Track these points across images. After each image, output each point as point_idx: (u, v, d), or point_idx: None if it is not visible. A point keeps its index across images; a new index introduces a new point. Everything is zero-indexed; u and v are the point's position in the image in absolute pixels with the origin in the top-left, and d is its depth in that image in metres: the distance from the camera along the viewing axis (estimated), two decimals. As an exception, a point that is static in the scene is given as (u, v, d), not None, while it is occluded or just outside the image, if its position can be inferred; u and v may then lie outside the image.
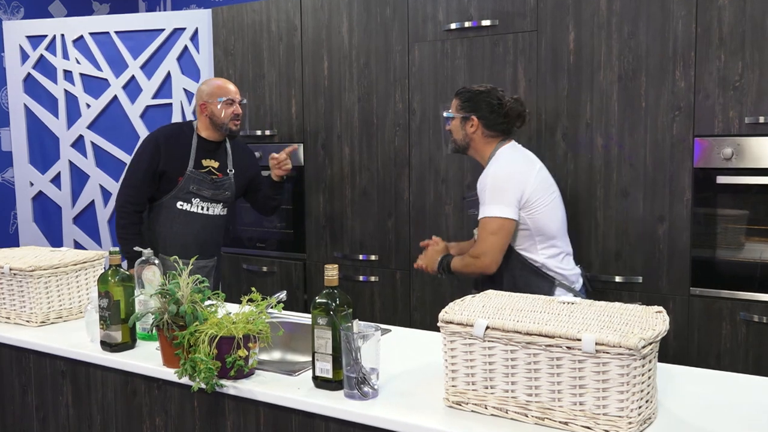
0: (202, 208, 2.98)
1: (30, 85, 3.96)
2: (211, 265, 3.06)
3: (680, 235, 2.49)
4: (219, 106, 2.92)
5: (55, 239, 4.00)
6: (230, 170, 3.03)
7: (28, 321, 2.17)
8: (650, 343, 1.29)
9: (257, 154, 3.40)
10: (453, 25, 2.85)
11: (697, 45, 2.42)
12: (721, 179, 2.40)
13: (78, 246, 3.95)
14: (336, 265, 1.59)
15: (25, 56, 3.94)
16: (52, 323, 2.19)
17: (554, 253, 2.30)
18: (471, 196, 2.55)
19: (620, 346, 1.25)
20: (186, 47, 3.74)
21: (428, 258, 2.46)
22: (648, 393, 1.33)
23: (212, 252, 3.06)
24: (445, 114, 2.43)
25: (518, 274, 2.29)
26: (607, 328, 1.32)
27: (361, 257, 3.18)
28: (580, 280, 2.38)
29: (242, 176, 3.08)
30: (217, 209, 3.02)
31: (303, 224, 3.35)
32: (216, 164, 3.00)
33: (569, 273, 2.32)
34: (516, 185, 2.24)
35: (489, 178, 2.27)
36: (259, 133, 3.42)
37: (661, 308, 1.45)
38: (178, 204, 2.94)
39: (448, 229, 2.94)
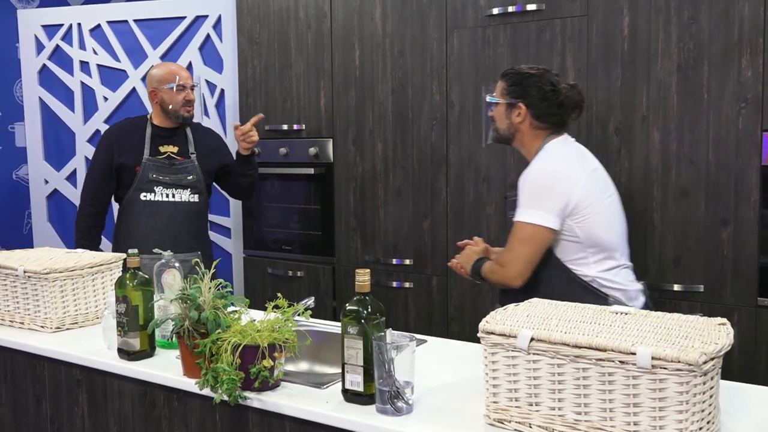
0: (167, 196, 3.05)
1: (45, 77, 4.06)
2: (193, 261, 3.03)
3: (747, 240, 2.45)
4: (169, 92, 3.02)
5: (70, 240, 4.08)
6: (192, 153, 3.10)
7: (42, 326, 2.23)
8: (712, 359, 1.27)
9: (283, 150, 3.44)
10: (495, 10, 2.84)
11: (765, 29, 2.37)
12: (793, 178, 2.36)
13: (94, 247, 4.03)
14: (368, 270, 1.60)
15: (40, 47, 4.04)
16: (68, 329, 2.24)
17: (610, 267, 2.14)
18: (513, 195, 2.45)
19: (679, 361, 1.23)
20: (208, 36, 3.80)
21: (465, 258, 2.34)
22: (709, 413, 1.31)
23: (191, 245, 3.07)
24: (488, 98, 2.29)
25: (562, 290, 2.07)
26: (664, 341, 1.30)
27: (394, 261, 3.18)
28: (641, 298, 2.19)
29: (208, 159, 3.14)
30: (184, 195, 3.07)
31: (332, 226, 3.37)
32: (175, 149, 3.10)
33: (628, 288, 2.16)
34: (562, 188, 2.09)
35: (530, 176, 2.14)
36: (285, 127, 3.46)
37: (724, 320, 1.43)
38: (142, 196, 3.05)
39: (490, 232, 2.93)
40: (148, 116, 3.16)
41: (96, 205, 3.11)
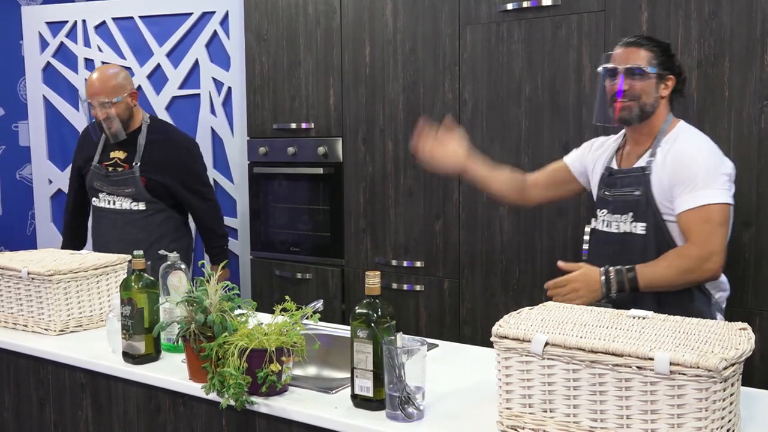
0: (110, 203, 3.11)
1: (49, 74, 4.09)
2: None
3: (769, 242, 2.43)
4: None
5: (74, 241, 4.11)
6: (135, 163, 3.06)
7: (46, 329, 2.24)
8: (733, 364, 1.26)
9: (291, 149, 3.44)
10: (510, 6, 2.83)
11: (789, 25, 2.36)
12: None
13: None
14: (378, 272, 1.60)
15: (44, 44, 4.07)
16: (72, 332, 2.26)
17: None
18: (624, 180, 2.15)
19: (698, 367, 1.23)
20: (215, 33, 3.82)
21: (584, 280, 2.03)
22: (730, 420, 1.30)
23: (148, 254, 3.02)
24: (645, 67, 2.07)
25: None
26: (683, 346, 1.30)
27: (405, 264, 3.19)
28: (728, 288, 2.14)
29: (154, 173, 3.06)
30: (125, 203, 3.07)
31: (341, 227, 3.37)
32: (123, 155, 3.09)
33: (724, 284, 2.11)
34: (730, 169, 2.02)
35: (699, 158, 2.00)
36: (294, 126, 3.47)
37: (745, 325, 1.42)
38: (93, 200, 3.17)
39: (502, 234, 2.93)
40: None
41: (69, 202, 3.30)
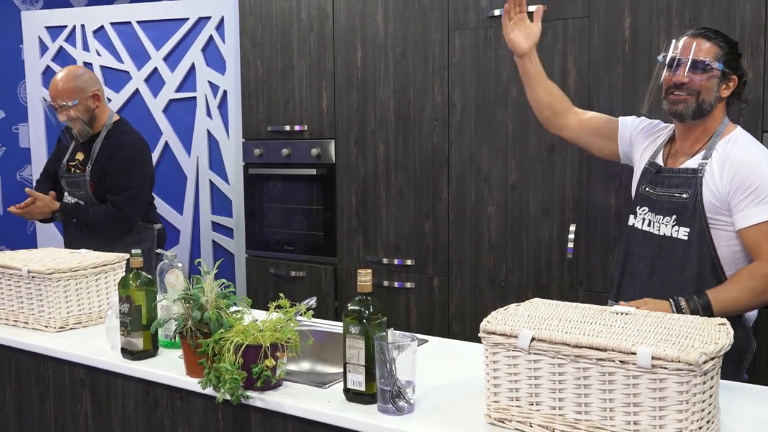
0: (73, 200, 3.14)
1: (49, 78, 4.05)
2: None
3: (747, 241, 2.44)
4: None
5: (73, 240, 4.09)
6: (88, 167, 3.07)
7: (46, 326, 2.23)
8: (712, 358, 1.27)
9: (285, 151, 3.44)
10: (497, 11, 2.84)
11: (766, 31, 2.37)
12: (794, 179, 2.35)
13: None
14: (370, 270, 1.60)
15: (44, 48, 4.05)
16: (71, 329, 2.25)
17: None
18: (667, 193, 1.98)
19: (679, 361, 1.24)
20: (211, 37, 3.81)
21: (655, 307, 1.78)
22: (709, 413, 1.31)
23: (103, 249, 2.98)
24: (710, 62, 1.91)
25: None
26: (664, 341, 1.31)
27: (396, 262, 3.19)
28: (755, 315, 1.98)
29: (100, 180, 3.04)
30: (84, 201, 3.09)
31: (334, 226, 3.37)
32: (81, 157, 3.12)
33: (755, 311, 1.96)
34: None
35: (766, 167, 1.83)
36: (287, 128, 3.46)
37: (724, 320, 1.43)
38: (65, 197, 3.18)
39: (490, 234, 2.94)
40: None
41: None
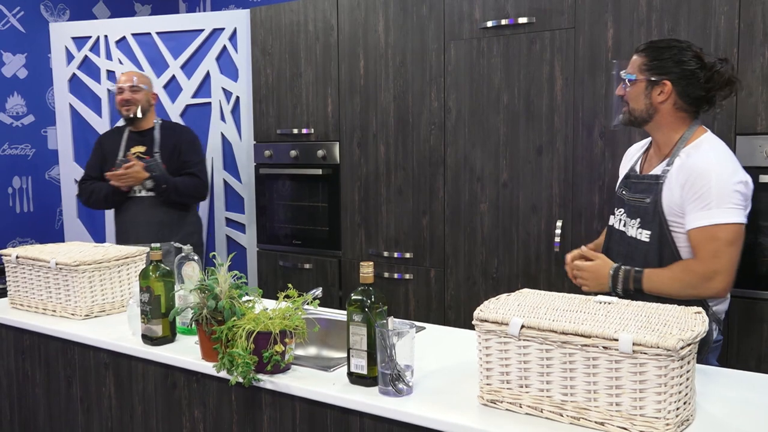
0: (134, 192, 3.24)
1: (75, 85, 4.06)
2: (169, 250, 3.13)
3: (721, 235, 2.43)
4: (116, 97, 3.26)
5: (98, 235, 4.09)
6: (156, 152, 3.25)
7: (73, 314, 2.23)
8: (689, 344, 1.27)
9: (293, 152, 3.44)
10: (489, 23, 2.83)
11: (739, 41, 2.36)
12: (764, 178, 2.34)
13: (120, 242, 4.04)
14: (371, 263, 1.60)
15: (70, 57, 4.04)
16: (96, 317, 2.25)
17: None
18: (633, 195, 1.97)
19: (658, 347, 1.23)
20: (225, 47, 3.80)
21: (594, 272, 1.92)
22: (686, 395, 1.31)
23: (165, 235, 3.20)
24: (624, 75, 1.92)
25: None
26: (644, 328, 1.30)
27: (395, 255, 3.18)
28: (728, 300, 1.93)
29: (170, 157, 3.25)
30: (143, 191, 3.22)
31: (338, 222, 3.37)
32: (143, 149, 3.25)
33: (725, 304, 1.92)
34: (745, 187, 1.80)
35: (713, 174, 1.77)
36: (295, 131, 3.45)
37: (700, 309, 1.42)
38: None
39: (483, 229, 2.93)
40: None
41: (88, 179, 3.34)
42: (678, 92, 1.87)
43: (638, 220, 1.93)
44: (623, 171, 2.13)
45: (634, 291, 1.85)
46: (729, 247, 1.77)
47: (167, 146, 3.26)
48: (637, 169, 2.04)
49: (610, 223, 2.08)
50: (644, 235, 1.91)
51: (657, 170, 1.93)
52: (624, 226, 2.00)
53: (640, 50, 1.93)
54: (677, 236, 1.86)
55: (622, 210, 2.01)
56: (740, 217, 1.79)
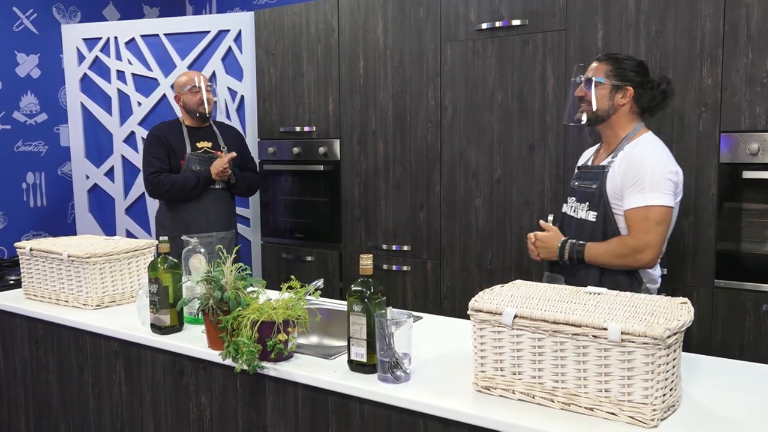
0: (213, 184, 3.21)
1: (86, 84, 4.04)
2: (231, 237, 3.28)
3: (705, 229, 2.44)
4: (188, 94, 3.20)
5: (108, 228, 4.09)
6: (223, 147, 3.25)
7: (84, 304, 2.23)
8: (675, 333, 1.26)
9: (296, 149, 3.43)
10: (484, 25, 2.82)
11: (724, 42, 2.35)
12: (747, 174, 2.34)
13: (130, 235, 4.03)
14: (371, 255, 1.59)
15: (81, 57, 4.02)
16: (107, 306, 2.24)
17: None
18: (583, 182, 2.14)
19: (646, 336, 1.23)
20: (230, 48, 3.78)
21: (547, 239, 2.13)
22: (672, 381, 1.31)
23: (228, 224, 3.29)
24: (595, 78, 2.08)
25: (608, 269, 2.04)
26: (632, 318, 1.30)
27: (394, 247, 3.18)
28: (659, 281, 2.12)
29: (235, 151, 3.23)
30: (218, 183, 3.21)
31: (339, 216, 3.36)
32: (209, 144, 3.25)
33: (656, 277, 2.09)
34: (675, 176, 2.00)
35: (648, 163, 1.97)
36: (298, 129, 3.44)
37: (686, 299, 1.42)
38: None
39: (477, 222, 2.93)
40: (180, 119, 3.29)
41: (161, 172, 3.15)
42: (635, 98, 2.08)
43: (587, 204, 2.12)
44: (577, 167, 2.31)
45: (577, 261, 2.06)
46: (658, 226, 1.96)
47: (230, 143, 3.28)
48: (589, 163, 2.23)
49: (564, 210, 2.25)
50: (591, 216, 2.10)
51: (604, 162, 2.12)
52: (574, 211, 2.18)
53: (603, 59, 2.12)
54: (618, 218, 2.05)
55: (573, 198, 2.20)
56: (670, 201, 1.97)
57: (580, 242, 2.07)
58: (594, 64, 2.13)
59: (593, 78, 2.09)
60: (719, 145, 2.39)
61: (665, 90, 2.12)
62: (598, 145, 2.29)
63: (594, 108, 2.09)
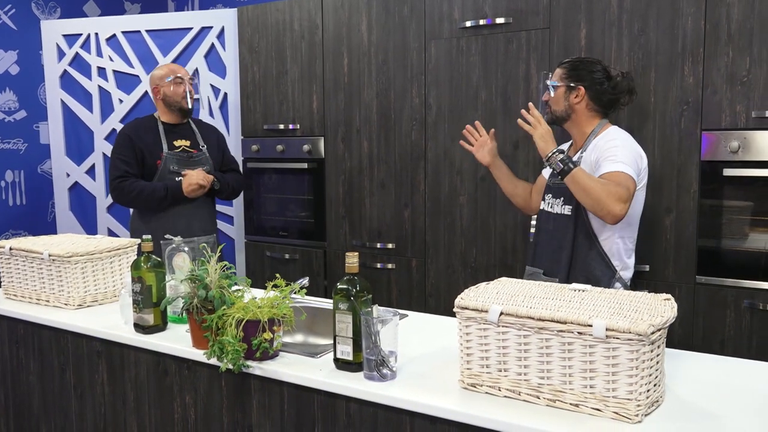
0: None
1: (66, 81, 3.99)
2: (212, 241, 3.12)
3: (687, 226, 2.46)
4: (169, 86, 3.01)
5: (90, 227, 4.04)
6: (202, 146, 3.10)
7: (66, 304, 2.20)
8: (659, 329, 1.28)
9: (279, 147, 3.41)
10: (468, 23, 2.82)
11: (705, 41, 2.38)
12: (728, 171, 2.37)
13: (111, 233, 3.99)
14: (356, 253, 1.59)
15: (61, 54, 3.97)
16: (89, 306, 2.22)
17: (627, 245, 2.15)
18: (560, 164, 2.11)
19: (630, 332, 1.24)
20: (213, 45, 3.75)
21: (547, 132, 2.13)
22: (656, 377, 1.32)
23: (209, 229, 3.14)
24: (549, 83, 2.22)
25: (583, 256, 2.13)
26: (617, 314, 1.31)
27: (378, 245, 3.18)
28: (632, 269, 2.20)
29: (215, 151, 3.15)
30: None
31: (323, 214, 3.35)
32: (188, 143, 3.07)
33: (630, 265, 2.17)
34: (640, 159, 2.09)
35: (619, 142, 2.08)
36: (282, 127, 3.43)
37: (669, 296, 1.44)
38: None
39: (462, 220, 2.93)
40: (156, 115, 3.10)
41: (128, 176, 2.95)
42: (590, 96, 2.18)
43: (561, 198, 2.20)
44: None
45: (565, 169, 2.03)
46: (629, 191, 1.99)
47: (210, 141, 3.13)
48: None
49: (541, 207, 2.34)
50: (567, 210, 2.19)
51: (574, 158, 2.19)
52: (551, 207, 2.26)
53: (561, 64, 2.25)
54: (590, 212, 2.09)
55: (549, 194, 2.28)
56: (633, 173, 2.03)
57: (576, 160, 2.12)
58: (556, 70, 2.26)
59: (549, 83, 2.24)
60: (701, 143, 2.41)
61: (618, 84, 2.20)
62: (569, 143, 2.35)
63: (552, 110, 2.24)
